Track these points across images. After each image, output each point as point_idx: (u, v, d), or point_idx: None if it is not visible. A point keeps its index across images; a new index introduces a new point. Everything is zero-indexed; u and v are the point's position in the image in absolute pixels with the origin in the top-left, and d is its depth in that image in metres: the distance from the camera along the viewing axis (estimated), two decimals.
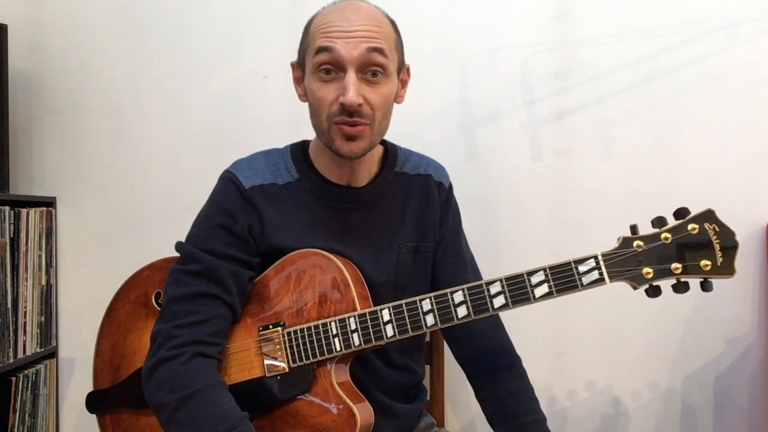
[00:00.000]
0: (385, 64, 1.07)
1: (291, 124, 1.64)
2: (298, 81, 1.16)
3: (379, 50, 1.06)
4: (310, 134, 1.24)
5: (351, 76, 1.05)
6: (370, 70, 1.06)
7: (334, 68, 1.06)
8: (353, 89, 1.04)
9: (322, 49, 1.05)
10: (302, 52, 1.13)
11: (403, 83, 1.17)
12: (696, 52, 1.59)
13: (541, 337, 1.64)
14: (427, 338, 1.47)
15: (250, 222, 1.13)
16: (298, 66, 1.16)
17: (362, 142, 1.09)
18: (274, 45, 1.68)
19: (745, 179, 1.58)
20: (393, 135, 1.25)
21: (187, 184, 1.69)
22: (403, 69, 1.16)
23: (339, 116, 1.06)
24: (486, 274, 1.29)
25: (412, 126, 1.60)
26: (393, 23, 1.13)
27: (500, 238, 1.65)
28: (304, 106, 1.15)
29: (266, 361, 1.10)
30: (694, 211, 0.97)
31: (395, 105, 1.16)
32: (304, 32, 1.13)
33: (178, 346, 1.06)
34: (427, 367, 1.46)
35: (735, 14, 1.58)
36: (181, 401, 1.02)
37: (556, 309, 1.59)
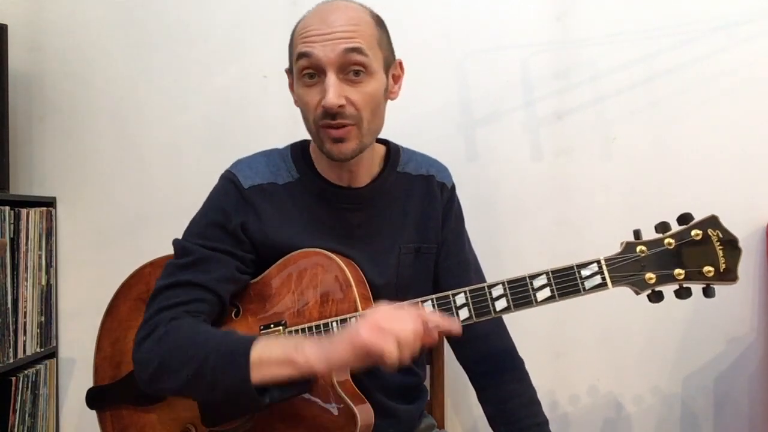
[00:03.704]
0: (365, 63, 1.06)
1: (291, 124, 1.64)
2: (292, 87, 1.16)
3: (357, 50, 1.05)
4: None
5: (331, 78, 1.04)
6: (351, 69, 1.06)
7: (315, 72, 1.06)
8: (333, 91, 1.04)
9: (301, 55, 1.06)
10: (290, 59, 1.13)
11: (396, 79, 1.16)
12: (696, 52, 1.59)
13: (541, 337, 1.64)
14: None
15: (244, 220, 1.13)
16: (289, 73, 1.16)
17: (350, 143, 1.08)
18: (274, 45, 1.67)
19: (745, 179, 1.58)
20: (393, 135, 1.25)
21: (187, 184, 1.69)
22: (393, 64, 1.15)
23: (323, 120, 1.06)
24: (486, 274, 1.30)
25: (412, 126, 1.59)
26: (376, 19, 1.12)
27: (500, 238, 1.65)
28: None
29: None
30: (697, 215, 0.97)
31: (392, 103, 1.15)
32: (290, 39, 1.13)
33: (151, 323, 1.06)
34: (428, 368, 1.46)
35: (735, 14, 1.58)
36: (192, 375, 0.99)
37: (556, 308, 1.58)
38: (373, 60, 1.07)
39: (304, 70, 1.07)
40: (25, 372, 1.59)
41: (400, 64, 1.17)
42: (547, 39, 1.64)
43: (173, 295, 1.09)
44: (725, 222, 0.96)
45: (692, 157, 1.60)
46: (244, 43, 1.70)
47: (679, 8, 1.59)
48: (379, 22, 1.13)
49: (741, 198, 1.57)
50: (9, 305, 1.54)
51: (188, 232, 1.16)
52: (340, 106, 1.04)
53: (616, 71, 1.62)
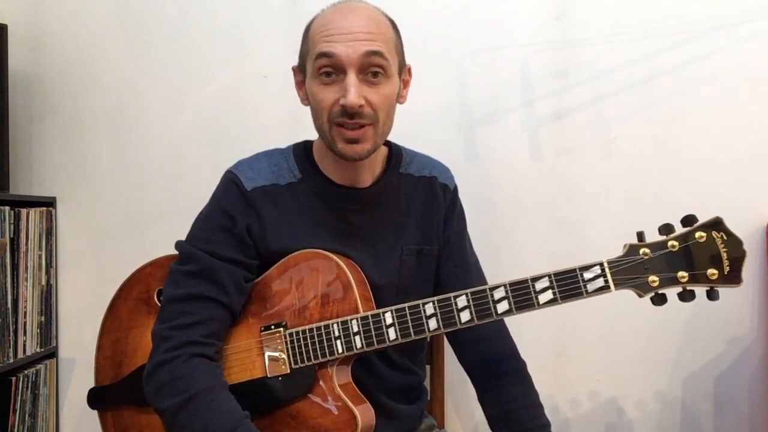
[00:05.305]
0: (385, 66, 1.07)
1: (291, 124, 1.64)
2: (300, 85, 1.16)
3: (378, 53, 1.06)
4: (310, 134, 1.24)
5: (351, 78, 1.05)
6: (370, 71, 1.06)
7: (334, 71, 1.06)
8: (354, 90, 1.04)
9: (322, 54, 1.05)
10: (303, 56, 1.13)
11: (405, 83, 1.17)
12: (696, 52, 1.59)
13: (541, 339, 1.64)
14: (428, 339, 1.47)
15: (249, 223, 1.13)
16: (299, 70, 1.15)
17: (366, 144, 1.09)
18: (274, 45, 1.68)
19: (745, 179, 1.58)
20: (393, 135, 1.25)
21: (187, 184, 1.69)
22: (404, 69, 1.16)
23: (340, 117, 1.06)
24: (486, 274, 1.30)
25: (412, 126, 1.59)
26: (392, 23, 1.13)
27: (500, 238, 1.65)
28: (305, 107, 1.15)
29: (267, 362, 1.10)
30: (697, 215, 0.97)
31: (397, 105, 1.16)
32: (304, 36, 1.13)
33: (173, 348, 1.06)
34: (428, 368, 1.46)
35: (735, 14, 1.57)
36: (180, 405, 1.02)
37: (556, 310, 1.58)
38: (391, 64, 1.09)
39: (323, 68, 1.06)
40: (25, 372, 1.59)
41: (409, 69, 1.18)
42: (546, 39, 1.64)
43: (188, 311, 1.09)
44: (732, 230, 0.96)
45: (692, 157, 1.60)
46: (244, 43, 1.70)
47: (679, 8, 1.59)
48: (395, 26, 1.14)
49: (741, 198, 1.57)
50: (9, 305, 1.54)
51: (193, 236, 1.16)
52: (360, 106, 1.05)
53: (615, 71, 1.62)
